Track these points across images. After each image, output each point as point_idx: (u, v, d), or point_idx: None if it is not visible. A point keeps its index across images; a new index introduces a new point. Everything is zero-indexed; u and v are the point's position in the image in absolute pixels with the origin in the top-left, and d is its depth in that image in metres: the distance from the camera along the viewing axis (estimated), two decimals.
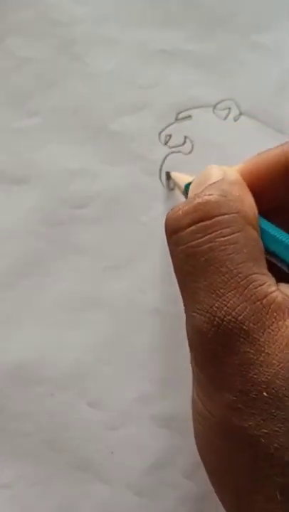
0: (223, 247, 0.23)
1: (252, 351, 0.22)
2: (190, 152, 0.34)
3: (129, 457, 0.32)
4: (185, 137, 0.34)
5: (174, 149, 0.34)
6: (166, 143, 0.34)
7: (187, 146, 0.34)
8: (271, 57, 0.34)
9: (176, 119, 0.34)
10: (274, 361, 0.22)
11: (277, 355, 0.22)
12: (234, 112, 0.34)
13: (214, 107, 0.34)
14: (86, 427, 0.32)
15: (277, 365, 0.22)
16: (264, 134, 0.34)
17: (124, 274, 0.33)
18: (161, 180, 0.33)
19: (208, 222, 0.24)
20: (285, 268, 0.25)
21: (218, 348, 0.23)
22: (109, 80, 0.34)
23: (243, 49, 0.34)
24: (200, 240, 0.23)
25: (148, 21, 0.34)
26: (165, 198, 0.33)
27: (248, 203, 0.25)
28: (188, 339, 0.24)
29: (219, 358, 0.23)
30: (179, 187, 0.31)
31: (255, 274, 0.23)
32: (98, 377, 0.32)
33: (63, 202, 0.33)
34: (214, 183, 0.25)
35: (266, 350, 0.22)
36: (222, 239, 0.23)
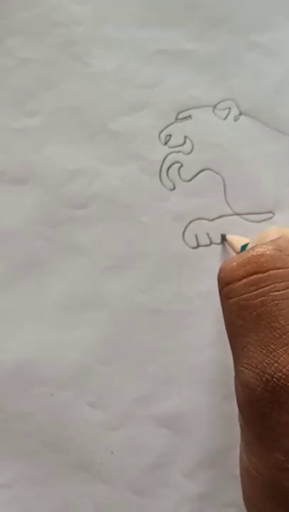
0: (276, 302, 0.22)
1: None
2: (190, 152, 0.34)
3: (129, 457, 0.32)
4: (185, 137, 0.34)
5: (174, 149, 0.34)
6: (166, 143, 0.34)
7: (187, 146, 0.34)
8: (271, 57, 0.34)
9: (176, 119, 0.34)
10: None
11: None
12: (234, 111, 0.34)
13: (214, 107, 0.34)
14: (86, 427, 0.32)
15: None
16: (264, 134, 0.34)
17: (124, 274, 0.33)
18: (161, 180, 0.33)
19: (262, 276, 0.23)
20: None
21: (266, 405, 0.22)
22: (109, 80, 0.34)
23: (243, 49, 0.34)
24: (253, 293, 0.23)
25: (148, 21, 0.34)
26: (165, 198, 0.33)
27: None
28: (237, 395, 0.24)
29: (268, 415, 0.22)
30: (235, 249, 0.31)
31: None
32: (98, 377, 0.32)
33: (63, 202, 0.33)
34: (272, 240, 0.25)
35: None
36: (275, 293, 0.23)
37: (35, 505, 0.32)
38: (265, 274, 0.23)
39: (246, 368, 0.23)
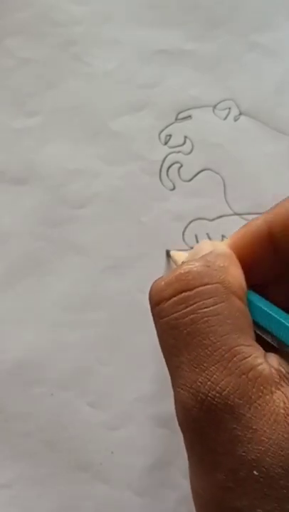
0: (205, 319, 0.22)
1: (239, 428, 0.21)
2: (190, 152, 0.34)
3: (129, 457, 0.32)
4: (185, 137, 0.34)
5: (174, 149, 0.34)
6: (166, 143, 0.34)
7: (187, 146, 0.34)
8: (271, 57, 0.34)
9: (176, 119, 0.34)
10: (263, 438, 0.21)
11: (265, 431, 0.21)
12: (234, 111, 0.34)
13: (214, 107, 0.34)
14: (86, 427, 0.32)
15: (267, 442, 0.21)
16: (264, 134, 0.34)
17: (124, 274, 0.33)
18: (161, 180, 0.33)
19: (190, 293, 0.23)
20: (275, 344, 0.24)
21: (204, 425, 0.22)
22: (109, 80, 0.34)
23: (243, 49, 0.34)
24: (182, 312, 0.23)
25: (148, 21, 0.34)
26: (165, 198, 0.33)
27: (234, 273, 0.24)
28: (177, 417, 0.23)
29: (206, 435, 0.22)
30: (177, 265, 0.30)
31: (240, 346, 0.22)
32: (98, 377, 0.32)
33: (63, 202, 0.33)
34: (202, 256, 0.25)
35: (254, 427, 0.21)
36: (204, 310, 0.22)
37: (35, 505, 0.32)
38: (193, 291, 0.23)
39: (181, 389, 0.22)
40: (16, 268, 0.33)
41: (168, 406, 0.32)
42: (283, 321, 0.24)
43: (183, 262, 0.24)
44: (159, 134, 0.34)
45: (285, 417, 0.21)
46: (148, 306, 0.33)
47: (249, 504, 0.21)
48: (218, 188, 0.33)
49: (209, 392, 0.21)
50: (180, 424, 0.23)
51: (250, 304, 0.24)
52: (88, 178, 0.33)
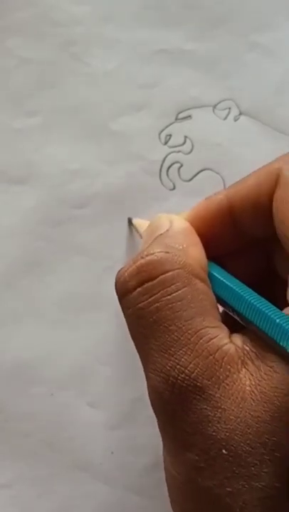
0: (170, 306, 0.23)
1: (209, 408, 0.21)
2: (190, 152, 0.34)
3: (129, 457, 0.32)
4: (185, 137, 0.34)
5: (174, 149, 0.34)
6: (166, 143, 0.34)
7: (187, 146, 0.34)
8: (271, 57, 0.34)
9: (176, 119, 0.34)
10: (231, 417, 0.21)
11: (233, 410, 0.21)
12: (234, 111, 0.34)
13: (214, 107, 0.34)
14: (86, 427, 0.32)
15: (234, 421, 0.21)
16: (264, 134, 0.34)
17: None
18: (161, 180, 0.33)
19: (153, 283, 0.23)
20: (235, 317, 0.24)
21: (175, 407, 0.22)
22: (109, 80, 0.34)
23: (243, 49, 0.34)
24: (146, 302, 0.23)
25: (148, 21, 0.34)
26: (165, 198, 0.33)
27: (195, 254, 0.24)
28: (150, 401, 0.24)
29: (178, 417, 0.22)
30: (140, 234, 0.31)
31: (205, 328, 0.23)
32: (98, 377, 0.32)
33: (63, 202, 0.33)
34: (160, 235, 0.25)
35: (222, 406, 0.21)
36: (168, 297, 0.23)
37: (35, 505, 0.32)
38: (155, 280, 0.23)
39: (153, 374, 0.23)
40: (16, 268, 0.33)
41: None
42: (242, 294, 0.24)
43: (143, 251, 0.24)
44: (159, 133, 0.34)
45: (251, 394, 0.21)
46: None
47: (219, 483, 0.21)
48: (218, 188, 0.33)
49: (179, 376, 0.22)
50: (153, 408, 0.24)
51: (211, 278, 0.25)
52: (88, 178, 0.34)
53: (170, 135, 0.34)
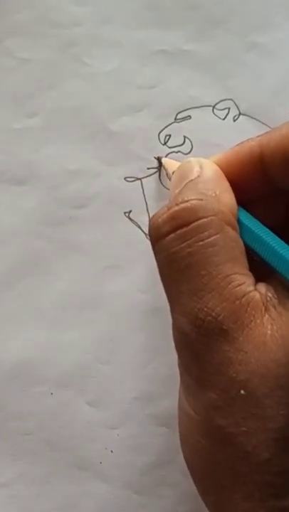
0: (202, 251, 0.23)
1: (232, 350, 0.22)
2: (189, 152, 0.34)
3: (128, 456, 0.32)
4: (184, 137, 0.34)
5: (173, 149, 0.34)
6: (165, 143, 0.34)
7: (187, 146, 0.34)
8: (271, 57, 0.34)
9: (176, 119, 0.34)
10: (252, 359, 0.22)
11: (254, 353, 0.22)
12: (233, 111, 0.34)
13: (214, 107, 0.34)
14: (86, 426, 0.32)
15: (255, 363, 0.22)
16: None
17: (124, 274, 0.33)
18: (160, 180, 0.33)
19: (186, 229, 0.24)
20: (263, 261, 0.25)
21: (200, 348, 0.23)
22: (109, 80, 0.34)
23: (243, 49, 0.34)
24: (179, 247, 0.24)
25: (148, 21, 0.34)
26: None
27: (226, 201, 0.25)
28: (174, 341, 0.25)
29: (202, 357, 0.23)
30: (169, 175, 0.31)
31: (234, 274, 0.23)
32: (98, 377, 0.32)
33: (63, 202, 0.33)
34: (191, 181, 0.26)
35: (244, 349, 0.22)
36: (200, 243, 0.23)
37: (34, 504, 0.32)
38: (189, 227, 0.24)
39: (180, 315, 0.24)
40: (16, 268, 0.33)
41: (167, 405, 0.32)
42: (268, 241, 0.25)
43: (177, 197, 0.25)
44: (159, 134, 0.34)
45: (271, 339, 0.22)
46: (148, 306, 0.33)
47: (235, 423, 0.22)
48: None
49: (206, 318, 0.23)
50: (177, 348, 0.25)
51: (240, 224, 0.25)
52: (88, 178, 0.34)
53: (169, 135, 0.34)
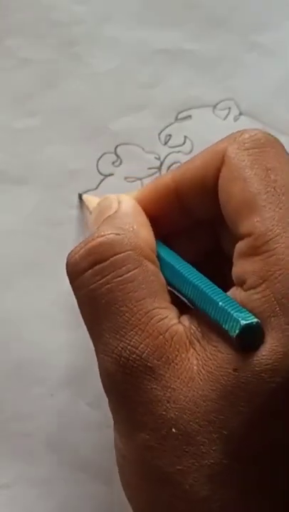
0: (121, 287, 0.23)
1: (159, 388, 0.22)
2: (190, 152, 0.34)
3: None
4: (185, 137, 0.34)
5: (174, 149, 0.34)
6: (166, 143, 0.34)
7: (187, 146, 0.34)
8: (271, 57, 0.34)
9: (176, 119, 0.34)
10: (180, 396, 0.22)
11: (182, 389, 0.22)
12: (234, 112, 0.34)
13: (214, 107, 0.34)
14: (86, 426, 0.32)
15: (183, 400, 0.21)
16: None
17: None
18: None
19: (104, 264, 0.24)
20: (181, 296, 0.25)
21: (127, 388, 0.22)
22: (109, 80, 0.34)
23: (243, 49, 0.34)
24: (98, 283, 0.24)
25: (148, 21, 0.34)
26: None
27: (144, 236, 0.25)
28: (102, 383, 0.24)
29: (129, 398, 0.22)
30: (89, 210, 0.31)
31: (155, 308, 0.23)
32: (98, 377, 0.32)
33: (63, 202, 0.33)
34: (109, 216, 0.26)
35: (172, 386, 0.22)
36: (119, 279, 0.23)
37: (34, 505, 0.32)
38: (107, 262, 0.24)
39: (105, 355, 0.23)
40: (16, 268, 0.33)
41: None
42: (187, 276, 0.24)
43: (94, 233, 0.25)
44: (159, 134, 0.34)
45: (198, 374, 0.22)
46: None
47: (169, 462, 0.22)
48: None
49: (130, 356, 0.22)
50: (105, 390, 0.24)
51: (159, 258, 0.25)
52: (88, 178, 0.34)
53: (170, 135, 0.34)
